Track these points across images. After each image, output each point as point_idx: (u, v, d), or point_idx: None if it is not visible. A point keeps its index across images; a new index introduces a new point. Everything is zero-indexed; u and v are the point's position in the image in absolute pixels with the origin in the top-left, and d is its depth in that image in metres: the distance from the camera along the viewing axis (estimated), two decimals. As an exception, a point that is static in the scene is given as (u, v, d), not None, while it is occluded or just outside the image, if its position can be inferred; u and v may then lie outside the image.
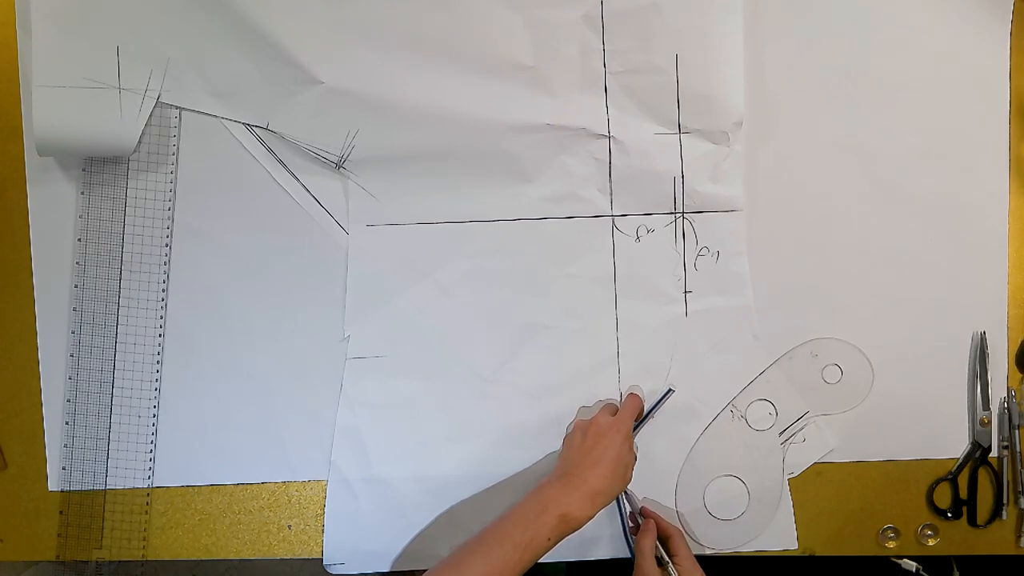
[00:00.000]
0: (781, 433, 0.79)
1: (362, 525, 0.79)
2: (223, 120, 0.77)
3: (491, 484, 0.79)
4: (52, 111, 0.73)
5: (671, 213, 0.78)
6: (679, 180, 0.77)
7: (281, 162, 0.77)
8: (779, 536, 0.79)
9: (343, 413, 0.78)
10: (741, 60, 0.76)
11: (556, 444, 0.79)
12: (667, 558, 0.72)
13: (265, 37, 0.74)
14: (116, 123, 0.74)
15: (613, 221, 0.78)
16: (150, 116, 0.75)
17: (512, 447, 0.79)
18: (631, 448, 0.74)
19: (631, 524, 0.78)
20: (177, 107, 0.76)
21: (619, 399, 0.79)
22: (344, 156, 0.75)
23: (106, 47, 0.74)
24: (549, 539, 0.66)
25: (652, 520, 0.74)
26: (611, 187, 0.77)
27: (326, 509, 0.79)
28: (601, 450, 0.71)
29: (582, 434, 0.73)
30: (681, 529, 0.76)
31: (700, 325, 0.79)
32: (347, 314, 0.78)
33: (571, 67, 0.76)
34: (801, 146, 0.78)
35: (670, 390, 0.78)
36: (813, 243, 0.79)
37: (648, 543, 0.72)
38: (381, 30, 0.74)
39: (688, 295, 0.78)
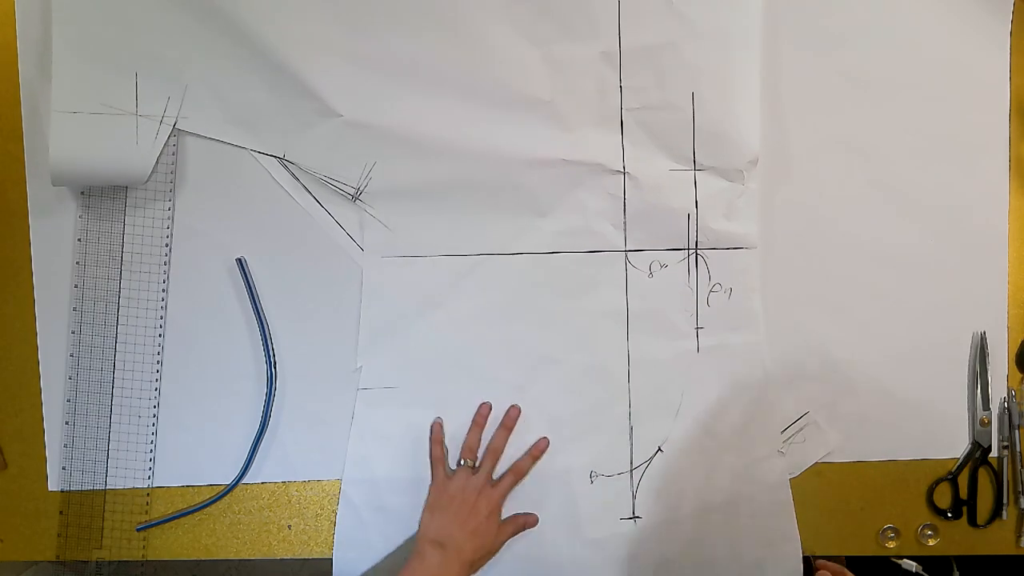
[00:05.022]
0: (781, 433, 0.79)
1: (371, 554, 0.78)
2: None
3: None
4: (69, 137, 0.72)
5: (684, 249, 0.78)
6: (693, 216, 0.77)
7: (285, 167, 0.77)
8: (785, 569, 0.79)
9: (354, 442, 0.78)
10: (758, 99, 0.76)
11: (565, 476, 0.78)
12: None
13: (284, 68, 0.74)
14: (132, 150, 0.74)
15: (626, 256, 0.78)
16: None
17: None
18: (499, 525, 0.75)
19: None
20: (194, 135, 0.76)
21: (629, 434, 0.79)
22: (361, 188, 0.75)
23: (125, 73, 0.74)
24: None
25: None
26: (625, 222, 0.77)
27: (335, 537, 0.78)
28: (477, 521, 0.73)
29: (451, 499, 0.74)
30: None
31: (711, 361, 0.78)
32: (359, 345, 0.78)
33: (588, 103, 0.76)
34: (816, 171, 0.78)
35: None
36: (814, 244, 0.79)
37: None
38: (400, 63, 0.74)
39: (700, 331, 0.78)
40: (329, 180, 0.76)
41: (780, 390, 0.79)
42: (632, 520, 0.79)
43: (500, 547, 0.76)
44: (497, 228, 0.77)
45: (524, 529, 0.77)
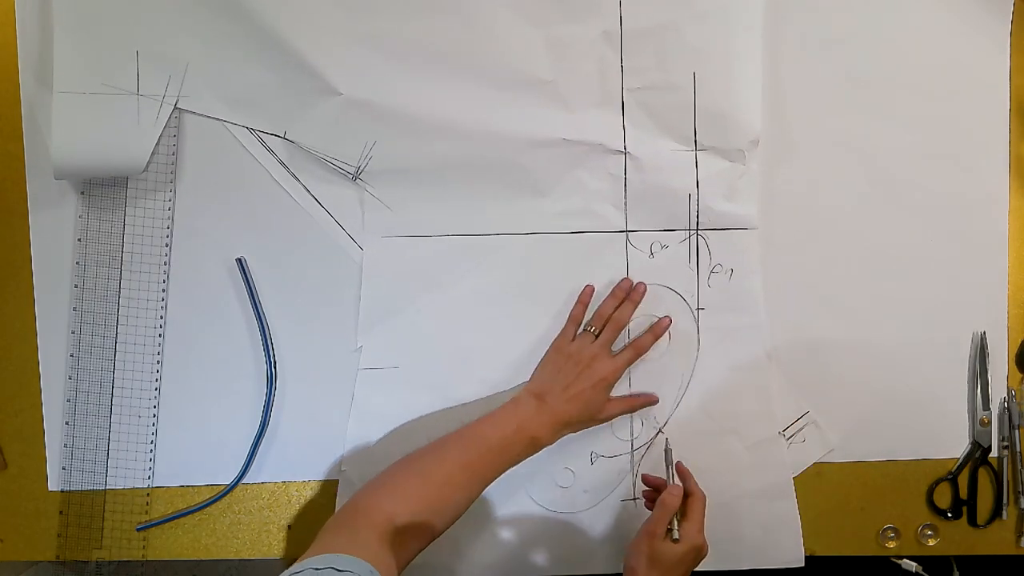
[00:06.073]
0: (781, 432, 0.79)
1: None
2: (230, 126, 0.76)
3: (500, 496, 0.79)
4: (71, 118, 0.73)
5: (685, 230, 0.78)
6: (694, 197, 0.77)
7: (284, 165, 0.77)
8: (786, 553, 0.79)
9: (353, 423, 0.78)
10: (759, 79, 0.75)
11: (565, 456, 0.78)
12: (677, 518, 0.71)
13: (285, 47, 0.73)
14: (133, 130, 0.74)
15: (627, 237, 0.78)
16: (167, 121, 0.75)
17: (523, 461, 0.78)
18: (608, 397, 0.75)
19: (647, 488, 0.78)
20: (194, 113, 0.76)
21: (630, 415, 0.79)
22: (361, 167, 0.75)
23: (126, 53, 0.74)
24: (519, 455, 0.71)
25: (681, 486, 0.73)
26: (626, 203, 0.77)
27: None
28: (580, 387, 0.73)
29: (566, 359, 0.75)
30: (704, 495, 0.73)
31: (712, 342, 0.78)
32: (360, 324, 0.78)
33: (589, 83, 0.75)
34: (816, 164, 0.78)
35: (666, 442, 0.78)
36: (814, 243, 0.79)
37: (672, 504, 0.71)
38: (400, 43, 0.74)
39: (700, 312, 0.78)
40: (329, 159, 0.76)
41: (780, 384, 0.79)
42: (633, 501, 0.79)
43: (608, 419, 0.76)
44: (497, 208, 0.77)
45: (641, 407, 0.77)
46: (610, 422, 0.78)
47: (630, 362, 0.76)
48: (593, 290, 0.77)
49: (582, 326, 0.77)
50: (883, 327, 0.79)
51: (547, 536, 0.79)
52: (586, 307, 0.77)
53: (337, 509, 0.79)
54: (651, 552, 0.69)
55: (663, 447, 0.77)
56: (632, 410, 0.77)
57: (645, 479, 0.78)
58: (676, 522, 0.70)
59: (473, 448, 0.70)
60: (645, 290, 0.77)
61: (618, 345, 0.77)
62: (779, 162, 0.78)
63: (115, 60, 0.74)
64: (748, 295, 0.78)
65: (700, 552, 0.71)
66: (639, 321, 0.78)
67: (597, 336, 0.76)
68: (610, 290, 0.77)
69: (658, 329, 0.77)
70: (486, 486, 0.70)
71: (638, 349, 0.76)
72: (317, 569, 0.53)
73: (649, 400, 0.78)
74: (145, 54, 0.74)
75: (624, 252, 0.78)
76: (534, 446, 0.72)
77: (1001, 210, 0.79)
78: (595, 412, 0.74)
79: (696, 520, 0.71)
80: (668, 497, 0.71)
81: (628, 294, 0.77)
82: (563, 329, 0.77)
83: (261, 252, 0.78)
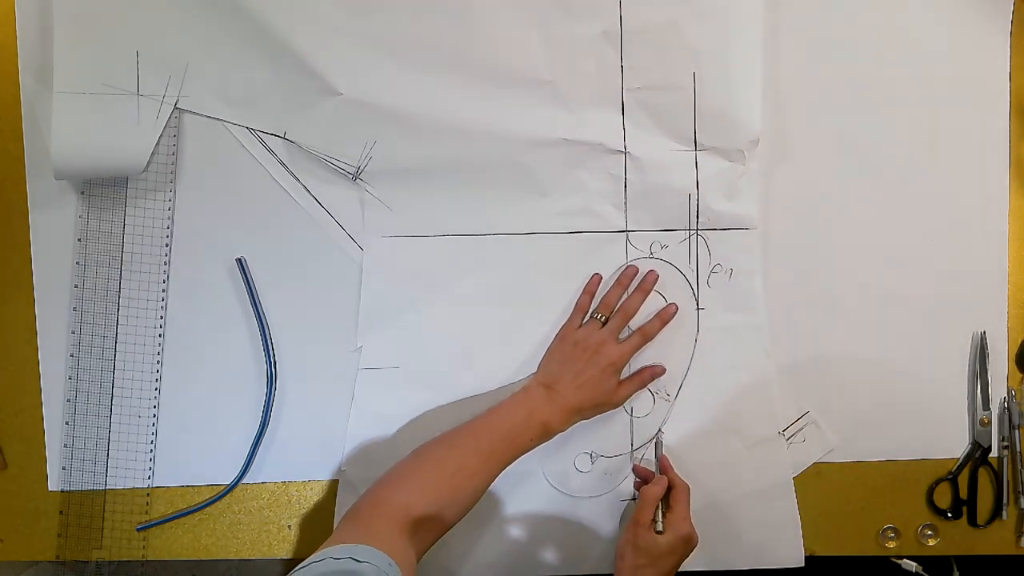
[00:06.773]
0: (781, 432, 0.79)
1: None
2: (230, 126, 0.76)
3: (500, 494, 0.79)
4: (71, 119, 0.73)
5: (685, 230, 0.78)
6: (694, 197, 0.77)
7: (284, 165, 0.77)
8: (786, 553, 0.79)
9: (353, 423, 0.78)
10: (759, 79, 0.75)
11: (565, 456, 0.78)
12: (662, 510, 0.72)
13: (285, 47, 0.74)
14: (133, 131, 0.74)
15: (627, 237, 0.78)
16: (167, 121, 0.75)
17: (522, 460, 0.77)
18: (618, 381, 0.75)
19: (638, 479, 0.78)
20: (194, 113, 0.76)
21: (630, 415, 0.79)
22: (361, 167, 0.75)
23: (126, 53, 0.74)
24: (531, 440, 0.72)
25: (666, 478, 0.74)
26: (626, 203, 0.77)
27: (336, 518, 0.78)
28: (589, 374, 0.74)
29: (572, 346, 0.75)
30: (688, 485, 0.75)
31: (712, 342, 0.78)
32: (360, 324, 0.78)
33: (589, 83, 0.75)
34: (816, 164, 0.78)
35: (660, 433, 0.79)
36: (814, 243, 0.79)
37: (654, 494, 0.72)
38: (400, 43, 0.74)
39: (700, 312, 0.78)
40: (329, 159, 0.76)
41: (780, 384, 0.79)
42: (633, 501, 0.79)
43: (621, 403, 0.76)
44: (497, 208, 0.77)
45: (651, 381, 0.77)
46: (609, 422, 0.78)
47: (637, 348, 0.76)
48: (600, 279, 0.77)
49: (588, 314, 0.77)
50: (883, 327, 0.79)
51: (544, 534, 0.79)
52: (592, 296, 0.77)
53: (337, 509, 0.79)
54: (636, 541, 0.70)
55: (655, 441, 0.78)
56: (643, 386, 0.77)
57: (636, 470, 0.78)
58: (660, 513, 0.72)
59: (485, 436, 0.70)
60: (656, 279, 0.77)
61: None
62: (779, 162, 0.78)
63: (115, 60, 0.74)
64: (748, 295, 0.78)
65: (690, 542, 0.72)
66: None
67: (604, 323, 0.76)
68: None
69: (665, 315, 0.77)
70: (498, 473, 0.70)
71: (646, 335, 0.76)
72: (336, 558, 0.54)
73: (656, 372, 0.77)
74: (145, 54, 0.74)
75: (624, 252, 0.78)
76: (546, 433, 0.72)
77: (1001, 210, 0.79)
78: (606, 397, 0.74)
79: (680, 511, 0.72)
80: (650, 488, 0.73)
81: (633, 281, 0.77)
82: (569, 318, 0.77)
83: (261, 252, 0.78)
